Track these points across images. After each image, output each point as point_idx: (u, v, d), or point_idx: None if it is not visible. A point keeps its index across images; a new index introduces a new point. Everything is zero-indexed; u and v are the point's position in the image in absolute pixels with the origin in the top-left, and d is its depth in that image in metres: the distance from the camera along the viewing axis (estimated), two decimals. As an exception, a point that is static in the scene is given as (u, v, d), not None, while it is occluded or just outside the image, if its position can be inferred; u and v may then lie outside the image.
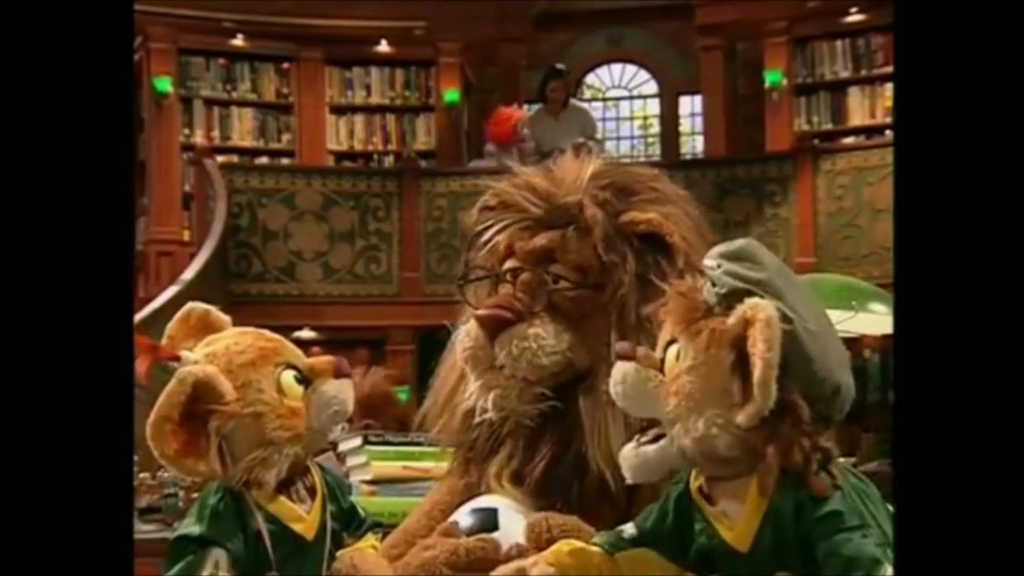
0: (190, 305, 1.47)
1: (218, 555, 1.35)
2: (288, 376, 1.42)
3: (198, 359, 1.40)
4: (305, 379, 1.44)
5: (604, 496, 1.48)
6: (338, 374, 1.46)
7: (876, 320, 4.60)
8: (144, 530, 3.56)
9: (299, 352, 1.47)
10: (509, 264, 1.61)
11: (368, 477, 2.41)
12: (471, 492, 1.57)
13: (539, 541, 1.35)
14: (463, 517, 1.44)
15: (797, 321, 1.29)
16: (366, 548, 1.50)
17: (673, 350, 1.33)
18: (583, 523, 1.39)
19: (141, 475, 3.84)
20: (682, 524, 1.36)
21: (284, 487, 1.42)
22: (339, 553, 1.46)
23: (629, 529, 1.39)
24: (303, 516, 1.42)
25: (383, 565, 1.46)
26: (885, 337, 5.87)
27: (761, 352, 1.23)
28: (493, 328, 1.53)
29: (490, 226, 1.62)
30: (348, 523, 1.49)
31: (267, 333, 1.48)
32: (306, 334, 6.54)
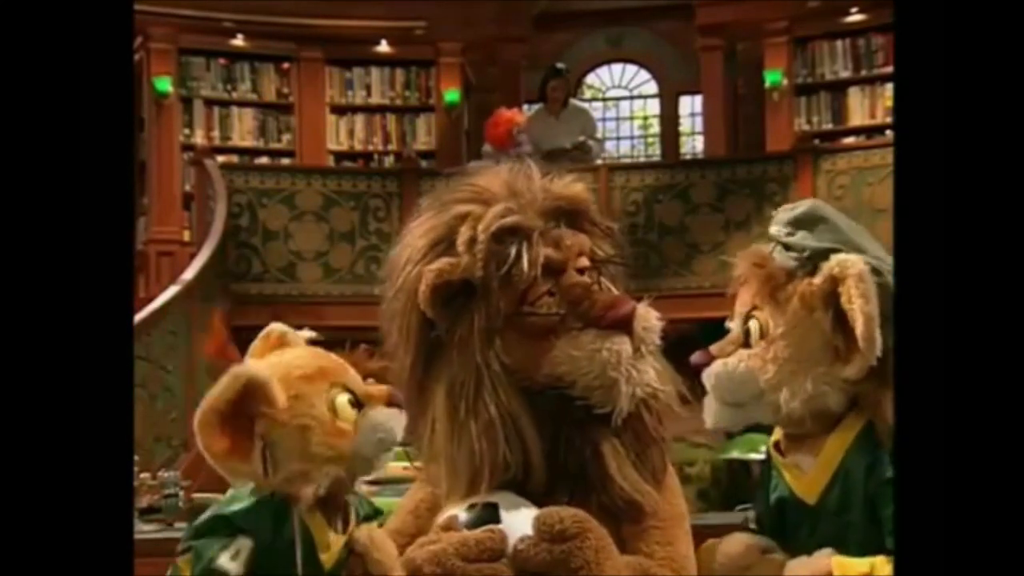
0: (271, 326, 1.52)
1: (243, 545, 1.37)
2: (343, 398, 1.44)
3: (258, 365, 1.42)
4: (359, 404, 1.45)
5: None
6: (390, 403, 1.47)
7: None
8: (144, 530, 3.56)
9: (358, 378, 1.48)
10: (578, 264, 1.45)
11: (370, 477, 2.41)
12: None
13: (551, 533, 1.34)
14: (461, 512, 1.43)
15: (885, 271, 1.30)
16: (373, 526, 1.51)
17: (756, 321, 1.33)
18: (591, 517, 1.38)
19: (141, 475, 3.85)
20: (764, 481, 1.41)
21: (325, 511, 1.43)
22: (355, 530, 1.47)
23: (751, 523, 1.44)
24: (330, 545, 1.43)
25: (389, 542, 1.47)
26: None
27: (860, 306, 1.25)
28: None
29: (518, 250, 1.42)
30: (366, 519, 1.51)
31: (332, 355, 1.49)
32: (306, 334, 6.53)
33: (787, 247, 1.35)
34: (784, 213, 1.39)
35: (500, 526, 1.38)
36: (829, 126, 8.08)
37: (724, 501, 4.63)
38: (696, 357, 1.38)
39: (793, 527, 1.35)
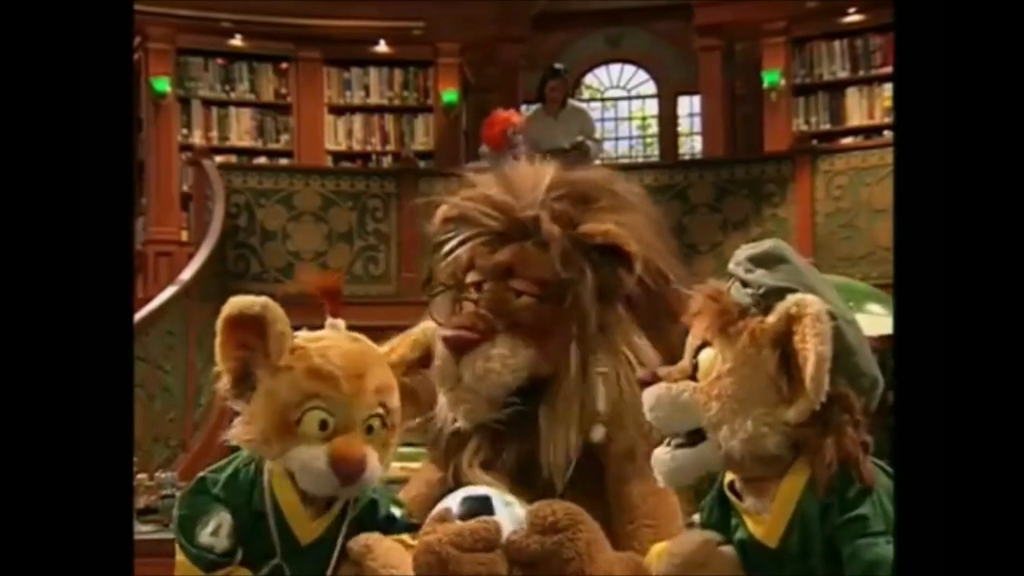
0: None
1: (223, 518, 1.38)
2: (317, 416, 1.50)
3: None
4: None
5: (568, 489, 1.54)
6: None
7: (874, 321, 4.60)
8: (142, 531, 3.55)
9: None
10: (471, 277, 1.67)
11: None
12: (447, 484, 1.62)
13: (544, 526, 1.37)
14: (455, 504, 1.45)
15: (839, 315, 1.30)
16: (384, 537, 1.51)
17: (706, 355, 1.33)
18: (584, 511, 1.42)
19: (139, 476, 3.83)
20: (722, 519, 1.39)
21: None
22: (355, 538, 1.47)
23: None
24: (307, 519, 1.43)
25: (398, 548, 1.47)
26: (882, 338, 5.87)
27: (815, 346, 1.24)
28: (458, 349, 1.59)
29: (451, 238, 1.68)
30: (385, 530, 1.52)
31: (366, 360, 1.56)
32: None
33: (744, 283, 1.35)
34: (745, 250, 1.39)
35: (494, 518, 1.39)
36: (827, 126, 8.07)
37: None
38: (643, 374, 1.40)
39: (757, 569, 1.35)
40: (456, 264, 1.69)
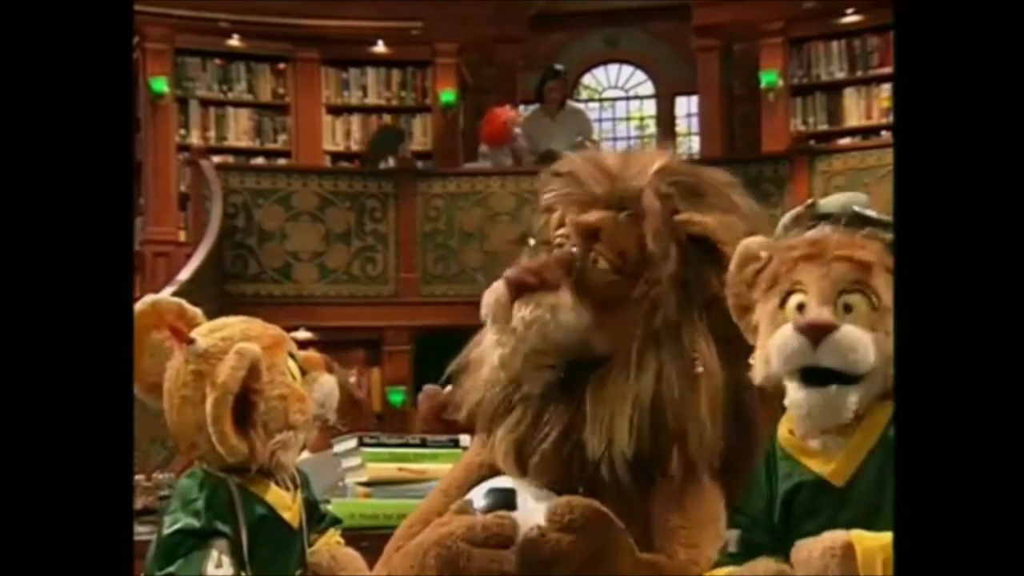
0: (148, 298, 1.47)
1: (219, 545, 1.36)
2: (293, 365, 1.45)
3: (216, 342, 1.41)
4: (300, 370, 1.48)
5: (607, 487, 1.46)
6: (329, 369, 1.50)
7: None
8: (139, 532, 3.53)
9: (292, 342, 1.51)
10: (560, 232, 1.62)
11: (363, 479, 2.41)
12: (486, 471, 1.57)
13: (562, 523, 1.33)
14: (479, 497, 1.42)
15: None
16: (333, 543, 1.51)
17: (855, 298, 1.32)
18: (607, 509, 1.37)
19: (136, 477, 3.83)
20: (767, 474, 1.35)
21: (271, 475, 1.43)
22: (314, 548, 1.47)
23: (730, 546, 1.37)
24: (290, 504, 1.43)
25: (358, 559, 1.48)
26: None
27: None
28: (515, 289, 1.53)
29: (551, 192, 1.65)
30: (310, 516, 1.51)
31: (262, 321, 1.51)
32: (302, 335, 6.53)
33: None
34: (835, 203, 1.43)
35: (514, 513, 1.35)
36: (825, 127, 8.07)
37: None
38: (804, 321, 1.31)
39: (809, 513, 1.32)
40: (548, 220, 1.66)
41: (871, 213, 1.39)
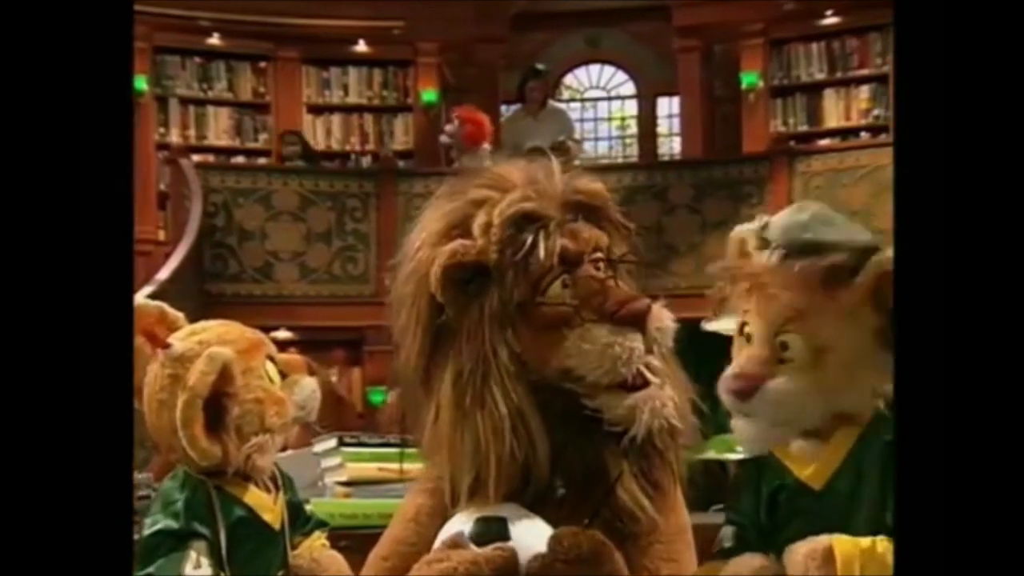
0: (140, 301, 1.49)
1: (198, 547, 1.37)
2: (272, 368, 1.45)
3: (192, 345, 1.41)
4: (280, 372, 1.49)
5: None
6: (310, 372, 1.49)
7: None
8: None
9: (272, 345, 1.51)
10: (593, 258, 1.41)
11: (343, 478, 2.40)
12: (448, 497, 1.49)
13: (568, 555, 1.27)
14: (468, 526, 1.34)
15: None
16: (317, 545, 1.50)
17: (792, 337, 1.33)
18: (609, 541, 1.31)
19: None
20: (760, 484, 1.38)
21: (249, 478, 1.43)
22: (297, 551, 1.47)
23: (725, 541, 1.40)
24: (272, 506, 1.43)
25: (340, 561, 1.47)
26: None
27: None
28: (636, 320, 1.37)
29: (525, 240, 1.39)
30: (295, 518, 1.50)
31: (242, 325, 1.50)
32: (283, 334, 6.50)
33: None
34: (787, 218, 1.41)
35: (510, 543, 1.31)
36: (804, 128, 8.12)
37: (700, 502, 4.63)
38: (734, 382, 1.35)
39: (791, 515, 1.34)
40: (546, 262, 1.38)
41: (821, 235, 1.37)
